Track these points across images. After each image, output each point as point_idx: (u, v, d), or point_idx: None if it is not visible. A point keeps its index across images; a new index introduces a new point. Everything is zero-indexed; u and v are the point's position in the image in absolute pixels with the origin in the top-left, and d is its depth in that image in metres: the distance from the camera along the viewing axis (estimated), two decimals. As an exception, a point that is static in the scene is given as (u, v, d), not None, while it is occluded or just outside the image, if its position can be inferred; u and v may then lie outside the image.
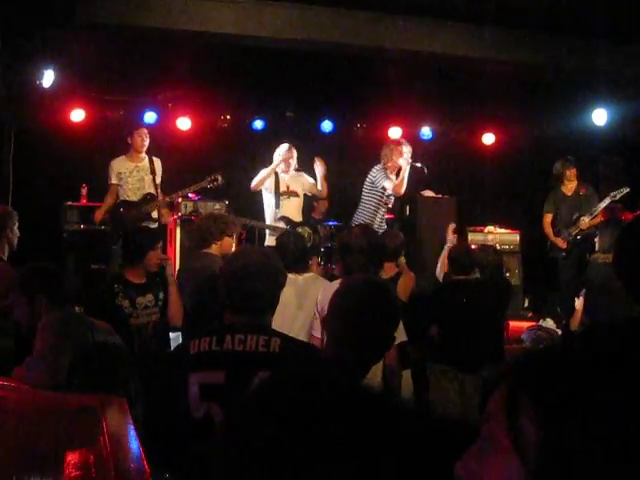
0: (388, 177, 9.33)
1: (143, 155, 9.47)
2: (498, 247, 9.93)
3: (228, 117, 12.00)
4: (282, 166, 9.59)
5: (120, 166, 9.35)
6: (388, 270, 6.57)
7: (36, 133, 10.72)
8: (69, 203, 10.65)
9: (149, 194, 9.38)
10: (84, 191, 10.70)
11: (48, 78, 9.78)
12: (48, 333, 4.16)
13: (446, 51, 10.19)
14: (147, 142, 9.45)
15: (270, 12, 9.43)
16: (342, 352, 2.69)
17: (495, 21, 9.86)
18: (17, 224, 6.42)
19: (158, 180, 9.55)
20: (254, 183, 9.51)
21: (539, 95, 11.66)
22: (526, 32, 10.22)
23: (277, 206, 9.47)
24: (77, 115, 11.32)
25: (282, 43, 9.88)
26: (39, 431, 3.10)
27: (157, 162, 9.57)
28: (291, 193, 9.62)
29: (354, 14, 9.72)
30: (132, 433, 2.90)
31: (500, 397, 1.01)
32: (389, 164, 9.41)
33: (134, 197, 9.32)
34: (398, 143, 9.60)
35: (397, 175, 9.40)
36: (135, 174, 9.39)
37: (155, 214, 9.39)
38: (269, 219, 9.54)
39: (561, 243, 9.47)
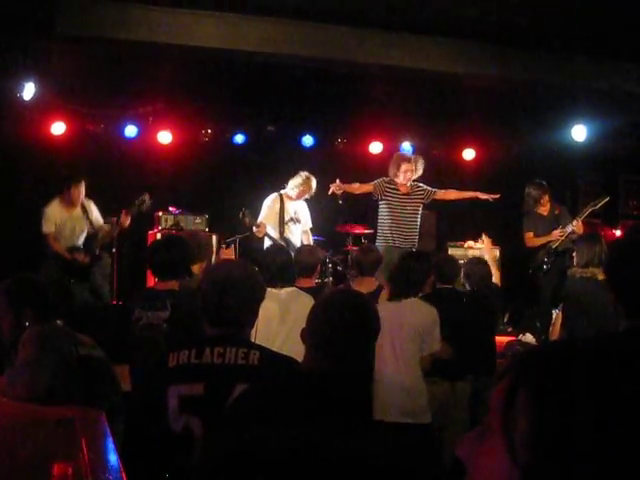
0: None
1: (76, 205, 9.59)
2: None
3: (209, 131, 12.00)
4: (293, 193, 9.52)
5: (57, 215, 9.45)
6: (368, 285, 6.59)
7: (16, 146, 10.69)
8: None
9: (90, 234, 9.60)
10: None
11: (28, 91, 9.77)
12: (30, 345, 4.14)
13: (427, 67, 10.23)
14: (82, 197, 9.55)
15: (252, 26, 9.44)
16: (323, 364, 2.69)
17: (476, 37, 9.93)
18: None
19: (99, 223, 9.71)
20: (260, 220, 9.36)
21: (519, 111, 11.74)
22: (506, 48, 10.29)
23: (281, 233, 9.37)
24: (58, 128, 11.28)
25: (264, 57, 9.89)
26: (18, 443, 3.09)
27: (90, 206, 9.64)
28: (297, 220, 9.57)
29: (336, 29, 9.74)
30: (111, 446, 2.90)
31: (500, 391, 1.03)
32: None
33: (68, 244, 9.49)
34: (401, 159, 9.55)
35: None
36: (68, 224, 9.52)
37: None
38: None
39: (556, 234, 9.49)
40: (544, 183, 9.84)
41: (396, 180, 9.35)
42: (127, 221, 9.36)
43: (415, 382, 5.79)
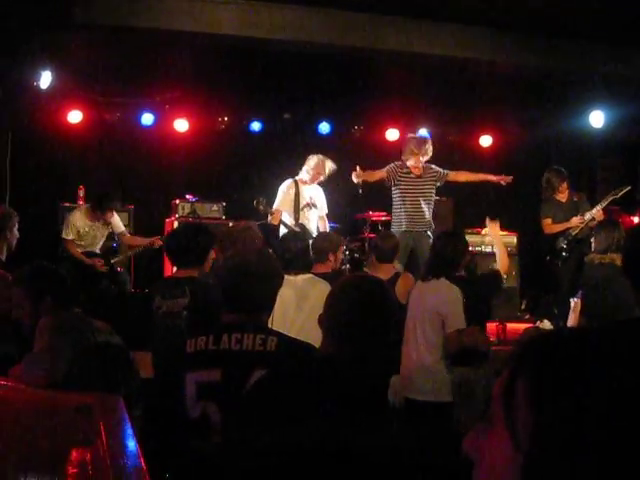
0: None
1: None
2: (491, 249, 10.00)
3: (225, 119, 11.99)
4: (307, 177, 9.43)
5: (80, 224, 9.54)
6: (386, 271, 6.57)
7: (33, 134, 10.72)
8: (66, 204, 10.58)
9: (113, 246, 9.86)
10: (81, 192, 10.68)
11: (45, 79, 9.78)
12: (47, 333, 4.16)
13: (444, 53, 10.20)
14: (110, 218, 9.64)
15: (268, 13, 9.42)
16: (340, 349, 2.69)
17: (493, 23, 9.88)
18: (17, 225, 6.41)
19: (120, 229, 9.83)
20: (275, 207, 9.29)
21: (537, 97, 11.69)
22: (524, 34, 10.24)
23: (296, 219, 9.30)
24: (74, 116, 11.30)
25: (280, 45, 9.88)
26: (37, 429, 3.10)
27: (114, 218, 9.73)
28: (313, 205, 9.50)
29: (352, 15, 9.72)
30: (129, 432, 2.90)
31: (501, 380, 1.03)
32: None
33: (90, 249, 9.64)
34: (411, 142, 9.53)
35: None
36: (91, 232, 9.62)
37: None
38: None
39: (576, 221, 9.44)
40: (563, 170, 9.78)
41: (408, 163, 9.33)
42: (160, 244, 9.45)
43: (434, 362, 5.79)
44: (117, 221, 9.75)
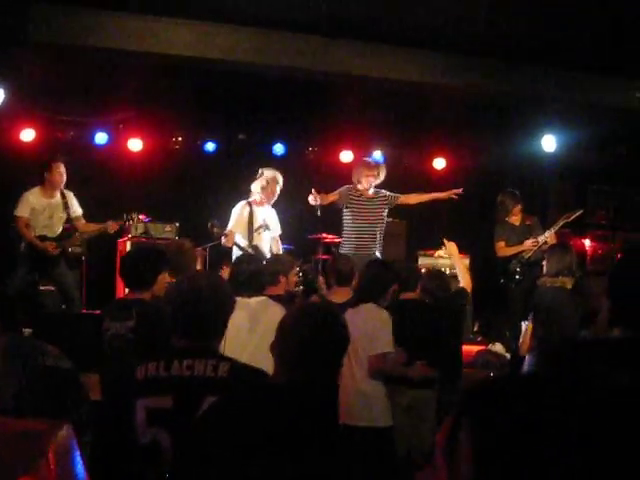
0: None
1: (57, 191, 9.37)
2: (447, 271, 10.02)
3: (180, 139, 11.96)
4: (260, 197, 9.34)
5: (35, 201, 9.25)
6: (343, 294, 6.56)
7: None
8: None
9: (66, 229, 9.40)
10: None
11: (-2, 96, 9.73)
12: (-5, 357, 4.10)
13: (398, 76, 10.27)
14: (64, 179, 9.35)
15: (223, 34, 9.44)
16: (292, 377, 2.69)
17: (446, 48, 9.98)
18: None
19: (77, 213, 9.49)
20: (229, 228, 9.16)
21: (489, 120, 11.80)
22: (476, 59, 10.35)
23: (250, 241, 9.19)
24: (27, 135, 11.20)
25: (235, 65, 9.89)
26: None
27: (69, 196, 9.46)
28: (266, 227, 9.40)
29: (306, 38, 9.76)
30: (78, 459, 2.86)
31: (445, 427, 1.03)
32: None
33: (42, 233, 9.29)
34: (363, 165, 9.59)
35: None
36: (47, 211, 9.32)
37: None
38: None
39: (529, 244, 9.54)
40: (517, 193, 9.88)
41: (359, 187, 9.39)
42: (115, 228, 9.32)
43: (371, 387, 5.82)
44: (74, 203, 9.46)
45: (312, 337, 2.69)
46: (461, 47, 9.99)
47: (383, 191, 9.54)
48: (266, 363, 3.63)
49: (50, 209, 9.32)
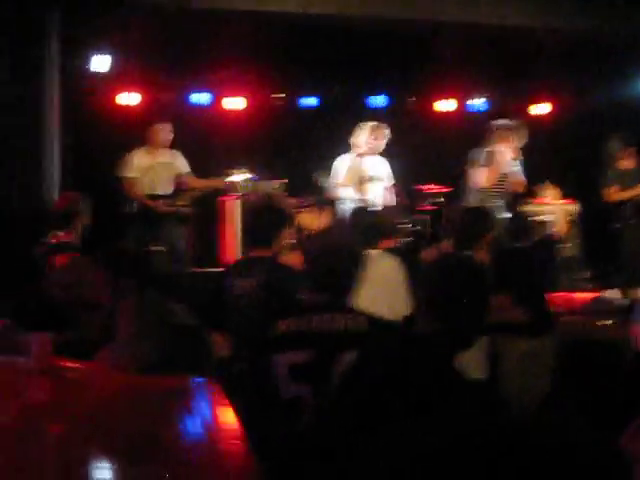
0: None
1: (163, 150, 9.42)
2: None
3: (280, 95, 11.99)
4: (366, 148, 9.24)
5: (139, 161, 9.28)
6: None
7: (92, 118, 10.79)
8: None
9: (176, 187, 9.44)
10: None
11: (103, 63, 9.89)
12: (132, 317, 4.21)
13: (497, 21, 10.09)
14: (170, 137, 9.39)
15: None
16: (435, 326, 2.70)
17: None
18: (90, 211, 6.45)
19: (185, 170, 9.51)
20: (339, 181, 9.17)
21: (595, 61, 11.48)
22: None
23: (360, 193, 9.11)
24: (132, 99, 11.36)
25: (331, 19, 9.85)
26: (130, 413, 3.14)
27: (177, 154, 9.51)
28: (376, 177, 9.31)
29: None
30: (228, 412, 2.92)
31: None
32: None
33: (150, 192, 9.32)
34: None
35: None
36: (154, 170, 9.35)
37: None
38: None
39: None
40: (627, 136, 9.62)
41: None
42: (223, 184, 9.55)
43: None
44: (181, 160, 9.52)
45: (458, 287, 2.68)
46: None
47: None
48: (383, 314, 3.67)
49: (157, 168, 9.35)
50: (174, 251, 9.36)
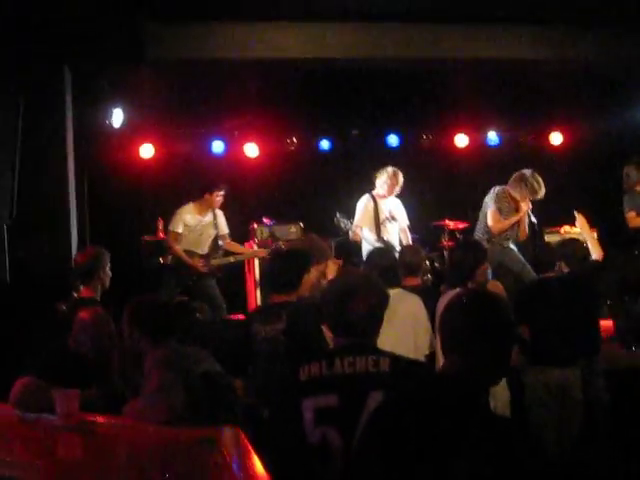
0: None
1: (210, 211, 9.71)
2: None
3: (294, 140, 12.05)
4: (383, 190, 9.50)
5: (188, 217, 9.57)
6: (494, 285, 6.51)
7: (108, 172, 10.90)
8: (147, 238, 10.52)
9: (213, 247, 9.72)
10: (160, 225, 10.70)
11: (117, 116, 10.00)
12: (158, 369, 4.23)
13: (508, 55, 10.15)
14: (221, 202, 9.68)
15: (331, 32, 9.50)
16: (460, 368, 2.69)
17: (557, 20, 9.80)
18: (109, 265, 6.50)
19: (224, 231, 9.83)
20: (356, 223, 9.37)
21: (604, 90, 11.52)
22: (584, 30, 10.14)
23: (377, 234, 9.34)
24: (147, 151, 11.47)
25: (343, 62, 9.94)
26: (162, 467, 3.16)
27: (219, 214, 9.79)
28: (392, 218, 9.56)
29: (410, 27, 9.74)
30: (256, 461, 2.94)
31: None
32: None
33: (190, 249, 9.60)
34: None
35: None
36: (199, 229, 9.65)
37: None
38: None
39: None
40: None
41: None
42: (262, 255, 9.86)
43: None
44: (222, 221, 9.80)
45: (483, 327, 2.67)
46: (567, 20, 9.81)
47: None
48: (405, 354, 3.66)
49: (201, 227, 9.65)
50: (211, 301, 9.43)
